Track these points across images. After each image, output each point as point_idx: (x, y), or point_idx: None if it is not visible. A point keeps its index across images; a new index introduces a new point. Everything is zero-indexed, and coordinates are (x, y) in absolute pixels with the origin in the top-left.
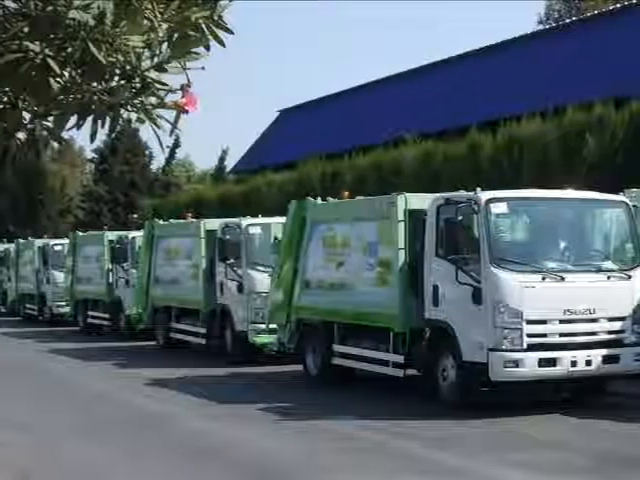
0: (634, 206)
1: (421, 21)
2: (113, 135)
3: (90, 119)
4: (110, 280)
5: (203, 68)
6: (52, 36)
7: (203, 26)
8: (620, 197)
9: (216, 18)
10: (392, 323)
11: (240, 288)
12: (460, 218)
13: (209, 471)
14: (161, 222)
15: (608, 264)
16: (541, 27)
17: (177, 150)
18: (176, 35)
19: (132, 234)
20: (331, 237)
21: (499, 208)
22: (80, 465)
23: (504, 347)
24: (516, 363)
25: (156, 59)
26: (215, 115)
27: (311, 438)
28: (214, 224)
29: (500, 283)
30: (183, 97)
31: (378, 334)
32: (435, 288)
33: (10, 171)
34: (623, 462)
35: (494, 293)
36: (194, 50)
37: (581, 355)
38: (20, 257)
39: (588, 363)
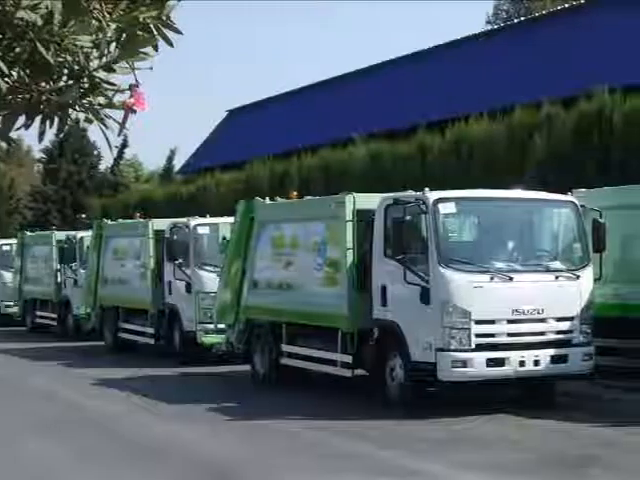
0: (582, 206)
1: (369, 20)
2: (61, 135)
3: (38, 119)
4: (58, 280)
5: (151, 68)
6: (0, 36)
7: (151, 26)
8: (568, 197)
9: (164, 18)
10: (340, 323)
11: (188, 288)
12: (408, 218)
13: (158, 471)
14: (109, 222)
15: (556, 264)
16: (489, 27)
17: (125, 150)
18: (124, 35)
19: (80, 234)
20: (279, 237)
21: (447, 208)
22: (27, 465)
23: (452, 347)
24: (464, 363)
25: (104, 59)
26: (164, 115)
27: (259, 438)
28: (162, 224)
29: (448, 283)
30: (131, 97)
31: (326, 334)
32: (383, 288)
33: None
34: (571, 462)
35: (442, 293)
36: (142, 50)
37: (529, 355)
38: None
39: (536, 363)
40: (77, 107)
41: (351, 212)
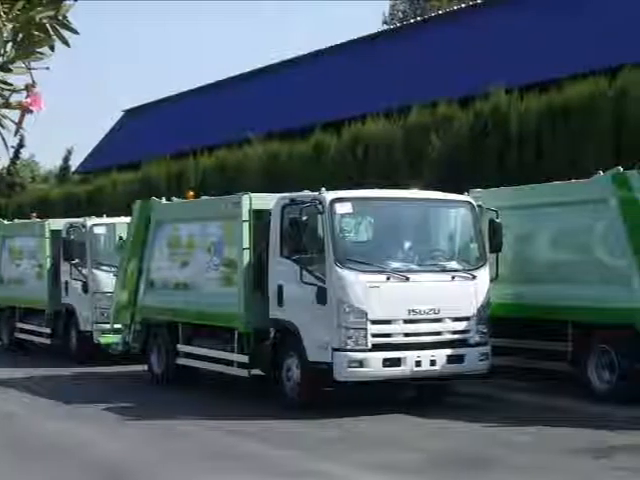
0: (479, 206)
1: (267, 19)
2: None
3: None
4: None
5: (48, 68)
6: None
7: (48, 26)
8: (465, 197)
9: (60, 18)
10: (237, 323)
11: (85, 288)
12: (305, 218)
13: (57, 471)
14: (6, 222)
15: (453, 264)
16: (386, 27)
17: (22, 150)
18: (21, 35)
19: None
20: (176, 237)
21: (344, 208)
22: None
23: (348, 347)
24: (360, 363)
25: (1, 59)
26: (61, 115)
27: (154, 438)
28: (59, 224)
29: (344, 283)
30: (28, 97)
31: (223, 334)
32: (280, 288)
33: None
34: (466, 462)
35: (339, 293)
36: (39, 50)
37: (425, 355)
38: None
39: (432, 363)
40: None
41: (247, 212)
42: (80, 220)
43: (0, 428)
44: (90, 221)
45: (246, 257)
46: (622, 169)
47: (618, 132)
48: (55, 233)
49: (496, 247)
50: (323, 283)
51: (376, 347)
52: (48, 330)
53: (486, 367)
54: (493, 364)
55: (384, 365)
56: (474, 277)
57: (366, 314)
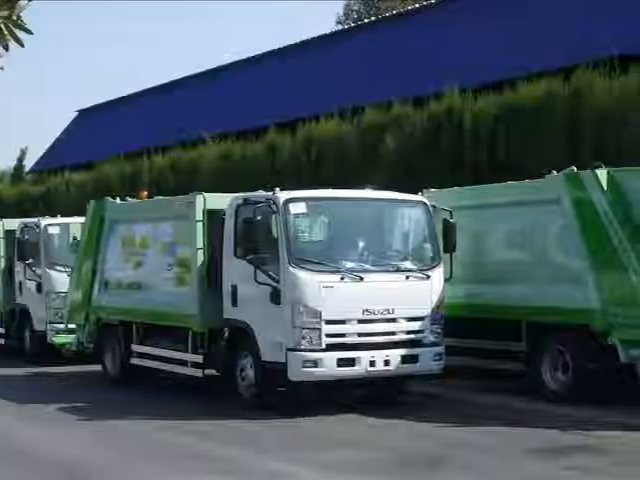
0: (433, 206)
1: (219, 18)
2: None
3: None
4: None
5: (2, 68)
6: None
7: (1, 26)
8: (419, 197)
9: (15, 18)
10: (191, 323)
11: (39, 288)
12: (259, 218)
13: (7, 472)
14: None
15: (407, 264)
16: (340, 27)
17: None
18: None
19: None
20: (130, 237)
21: (298, 208)
22: None
23: (303, 347)
24: (315, 363)
25: None
26: (14, 115)
27: (109, 438)
28: (13, 224)
29: (299, 283)
30: None
31: (177, 334)
32: (234, 288)
33: None
34: (420, 462)
35: (293, 293)
36: None
37: (380, 355)
38: None
39: (387, 363)
40: None
41: (201, 212)
42: (34, 220)
43: None
44: (44, 221)
45: (200, 257)
46: (576, 169)
47: (572, 132)
48: (9, 233)
49: (450, 247)
50: (277, 283)
51: (330, 347)
52: (2, 330)
53: (440, 367)
54: (447, 364)
55: (338, 365)
56: (428, 277)
57: (320, 314)
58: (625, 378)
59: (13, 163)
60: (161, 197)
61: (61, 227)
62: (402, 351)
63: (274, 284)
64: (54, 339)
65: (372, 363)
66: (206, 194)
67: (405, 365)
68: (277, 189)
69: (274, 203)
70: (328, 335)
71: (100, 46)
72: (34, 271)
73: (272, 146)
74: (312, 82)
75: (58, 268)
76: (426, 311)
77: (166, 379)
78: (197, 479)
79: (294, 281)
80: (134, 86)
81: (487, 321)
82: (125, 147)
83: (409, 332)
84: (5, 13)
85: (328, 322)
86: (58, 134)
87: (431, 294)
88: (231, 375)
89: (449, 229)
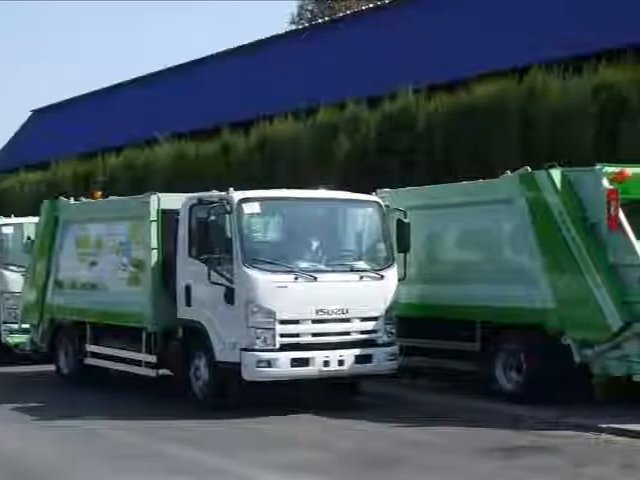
0: (386, 206)
1: (175, 20)
2: None
3: None
4: None
5: None
6: None
7: None
8: (373, 197)
9: None
10: (144, 323)
11: None
12: (213, 218)
13: None
14: None
15: (361, 264)
16: (294, 27)
17: None
18: None
19: None
20: (84, 237)
21: (251, 208)
22: None
23: (257, 347)
24: (269, 363)
25: None
26: None
27: (63, 438)
28: None
29: (253, 283)
30: None
31: (131, 334)
32: (188, 288)
33: None
34: (374, 461)
35: (247, 293)
36: None
37: (334, 355)
38: None
39: (341, 363)
40: None
41: (155, 212)
42: None
43: None
44: None
45: (154, 257)
46: (530, 169)
47: (526, 132)
48: None
49: (404, 247)
50: (231, 283)
51: (284, 347)
52: None
53: (394, 367)
54: (401, 364)
55: (292, 365)
56: (382, 277)
57: (274, 314)
58: (579, 378)
59: None
60: (115, 197)
61: (15, 227)
62: (356, 351)
63: (228, 284)
64: (8, 339)
65: (326, 363)
66: (160, 194)
67: (359, 365)
68: (231, 189)
69: (228, 203)
70: (282, 335)
71: (55, 46)
72: None
73: (226, 146)
74: (266, 82)
75: (12, 268)
76: (380, 311)
77: (120, 379)
78: (149, 479)
79: (248, 281)
80: (88, 86)
81: (441, 321)
82: (79, 147)
83: (363, 332)
84: None
85: (282, 322)
86: (12, 134)
87: (385, 294)
88: (185, 375)
89: (403, 229)
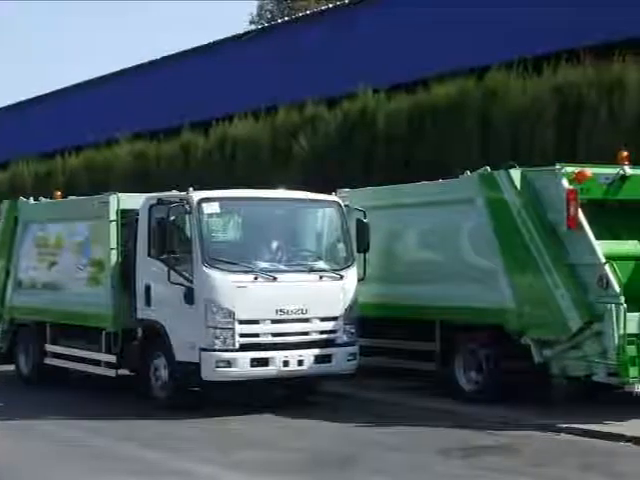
0: (346, 206)
1: (133, 17)
2: None
3: None
4: None
5: None
6: None
7: None
8: (332, 197)
9: None
10: (104, 323)
11: None
12: (172, 218)
13: None
14: None
15: (320, 264)
16: (253, 27)
17: None
18: None
19: None
20: (44, 237)
21: (211, 208)
22: None
23: (216, 347)
24: (228, 363)
25: None
26: None
27: (23, 438)
28: None
29: (212, 283)
30: None
31: (91, 334)
32: (147, 288)
33: None
34: (335, 461)
35: (206, 293)
36: None
37: (293, 355)
38: None
39: (300, 363)
40: None
41: (115, 212)
42: None
43: None
44: None
45: (114, 257)
46: (489, 169)
47: (485, 132)
48: None
49: (364, 247)
50: (191, 283)
51: (244, 347)
52: None
53: (354, 367)
54: (361, 364)
55: (252, 365)
56: (342, 277)
57: (234, 314)
58: (539, 378)
59: None
60: (75, 197)
61: None
62: (315, 351)
63: (187, 284)
64: None
65: (286, 363)
66: (120, 194)
67: (318, 365)
68: (191, 189)
69: (188, 203)
70: (242, 335)
71: (11, 45)
72: None
73: (186, 146)
74: (226, 82)
75: None
76: (339, 311)
77: (81, 380)
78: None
79: (207, 281)
80: (48, 86)
81: (401, 321)
82: (39, 147)
83: (322, 332)
84: None
85: (241, 322)
86: None
87: (344, 294)
88: (145, 375)
89: (363, 229)
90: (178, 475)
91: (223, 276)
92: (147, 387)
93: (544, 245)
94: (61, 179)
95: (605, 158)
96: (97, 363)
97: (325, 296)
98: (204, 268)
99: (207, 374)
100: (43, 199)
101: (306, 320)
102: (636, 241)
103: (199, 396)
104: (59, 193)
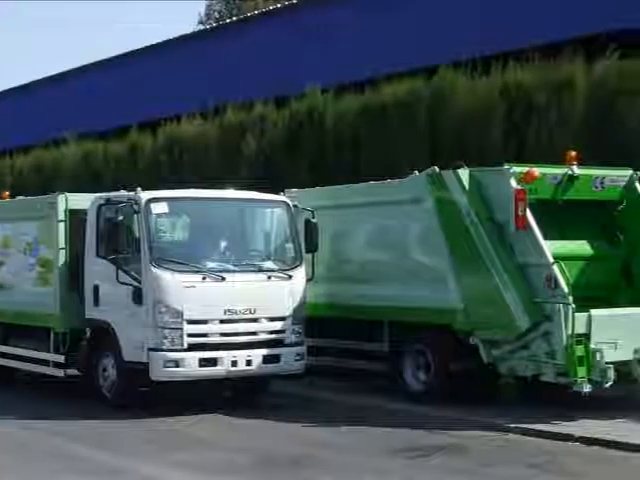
0: (294, 206)
1: (83, 17)
2: None
3: None
4: None
5: None
6: None
7: None
8: (281, 197)
9: None
10: (52, 323)
11: None
12: (121, 218)
13: None
14: None
15: (269, 264)
16: (201, 27)
17: None
18: None
19: None
20: None
21: (159, 208)
22: None
23: (164, 347)
24: (176, 363)
25: None
26: None
27: None
28: None
29: (160, 283)
30: None
31: (39, 334)
32: (96, 288)
33: None
34: (283, 461)
35: (154, 293)
36: None
37: (242, 355)
38: None
39: (249, 363)
40: None
41: (63, 212)
42: None
43: None
44: None
45: (62, 257)
46: (438, 169)
47: (434, 132)
48: None
49: (312, 247)
50: (139, 283)
51: (192, 347)
52: None
53: (302, 367)
54: (309, 364)
55: (200, 365)
56: (290, 277)
57: (182, 314)
58: (487, 378)
59: None
60: (23, 197)
61: None
62: (264, 351)
63: (136, 284)
64: None
65: (234, 363)
66: (68, 194)
67: (267, 365)
68: (139, 189)
69: (136, 203)
70: (190, 335)
71: None
72: None
73: (134, 146)
74: (174, 82)
75: None
76: (288, 311)
77: (29, 380)
78: (51, 479)
79: (155, 281)
80: None
81: (349, 321)
82: None
83: (271, 332)
84: None
85: (190, 322)
86: None
87: (293, 294)
88: (93, 375)
89: (311, 229)
90: (121, 475)
91: (171, 276)
92: (95, 387)
93: (492, 245)
94: (9, 179)
95: (553, 158)
96: (46, 363)
97: (273, 296)
98: (152, 268)
99: (155, 374)
100: None
101: (254, 320)
102: (584, 241)
103: (147, 396)
104: (7, 193)
